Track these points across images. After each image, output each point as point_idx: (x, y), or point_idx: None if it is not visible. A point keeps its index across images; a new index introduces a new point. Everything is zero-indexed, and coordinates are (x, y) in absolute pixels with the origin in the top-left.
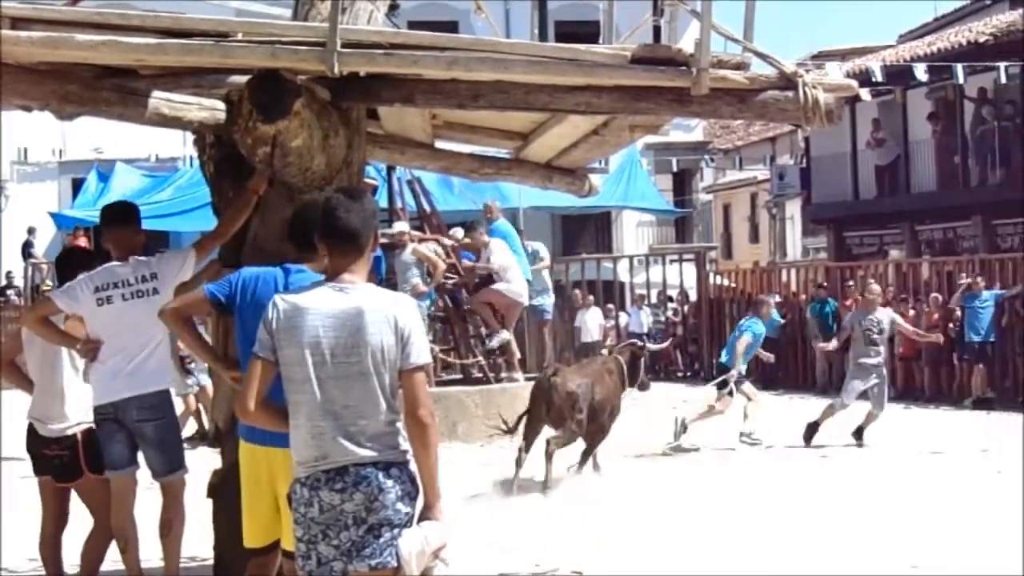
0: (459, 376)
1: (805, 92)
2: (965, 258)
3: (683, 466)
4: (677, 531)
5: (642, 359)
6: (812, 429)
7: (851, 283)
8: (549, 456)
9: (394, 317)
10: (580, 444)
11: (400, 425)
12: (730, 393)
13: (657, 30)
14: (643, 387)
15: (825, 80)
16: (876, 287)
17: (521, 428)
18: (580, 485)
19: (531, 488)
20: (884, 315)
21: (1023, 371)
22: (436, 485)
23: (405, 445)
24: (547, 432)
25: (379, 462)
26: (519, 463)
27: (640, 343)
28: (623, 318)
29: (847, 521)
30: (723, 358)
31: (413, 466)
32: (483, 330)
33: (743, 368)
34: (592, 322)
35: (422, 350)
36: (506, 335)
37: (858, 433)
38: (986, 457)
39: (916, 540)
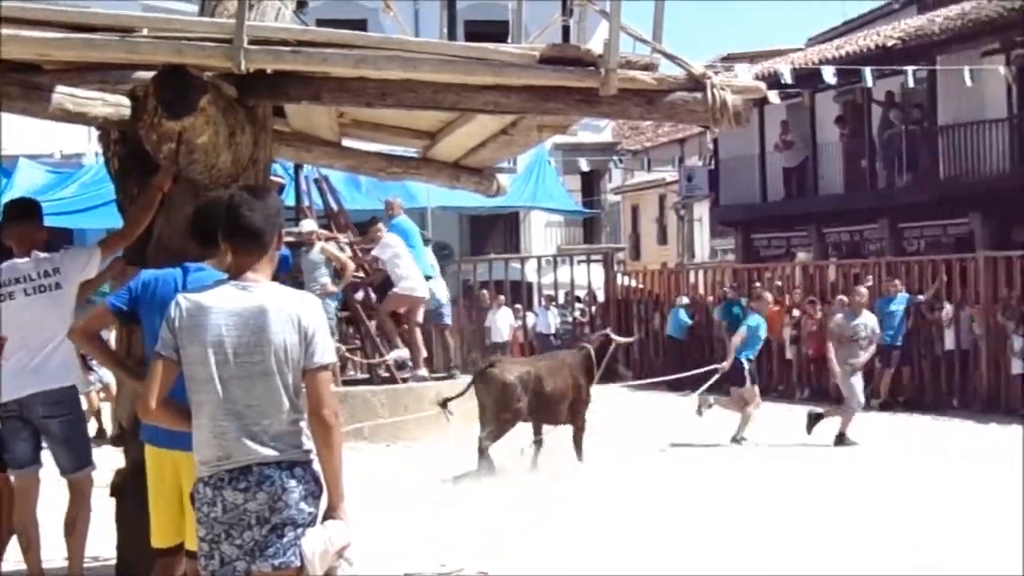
0: (366, 376)
1: (713, 94)
2: (872, 261)
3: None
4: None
5: (610, 350)
6: (815, 419)
7: (758, 284)
8: (482, 452)
9: (298, 316)
10: (563, 438)
11: (304, 424)
12: (753, 382)
13: (566, 30)
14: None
15: (733, 82)
16: (863, 290)
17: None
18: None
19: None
20: (869, 318)
21: (929, 374)
22: (340, 485)
23: (309, 444)
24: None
25: (282, 462)
26: (482, 452)
27: (607, 335)
28: (531, 318)
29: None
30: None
31: (317, 466)
32: (385, 342)
33: (752, 358)
34: (502, 322)
35: (326, 349)
36: (404, 353)
37: (840, 439)
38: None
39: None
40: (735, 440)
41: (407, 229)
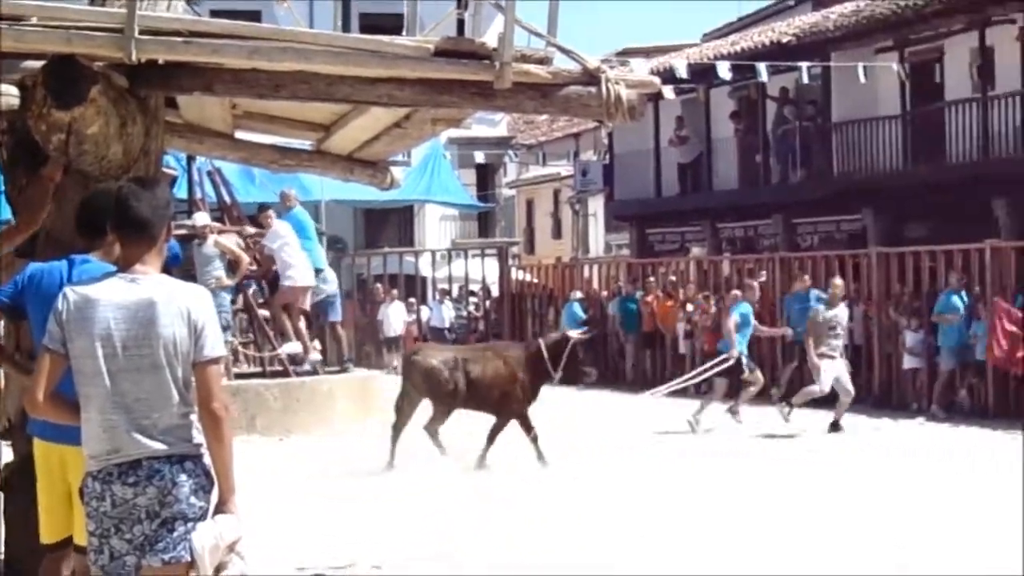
0: (258, 369)
1: (607, 88)
2: (765, 256)
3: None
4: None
5: (568, 349)
6: (786, 400)
7: (652, 279)
8: (432, 433)
9: (187, 309)
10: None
11: (194, 418)
12: (751, 369)
13: (461, 23)
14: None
15: (628, 76)
16: (839, 281)
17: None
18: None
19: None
20: (843, 311)
21: None
22: (230, 479)
23: (199, 438)
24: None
25: (172, 456)
26: (394, 440)
27: (560, 335)
28: (425, 312)
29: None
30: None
31: (208, 459)
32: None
33: (743, 349)
34: (395, 317)
35: (216, 342)
36: (297, 346)
37: (835, 426)
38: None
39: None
40: (731, 412)
41: (303, 221)
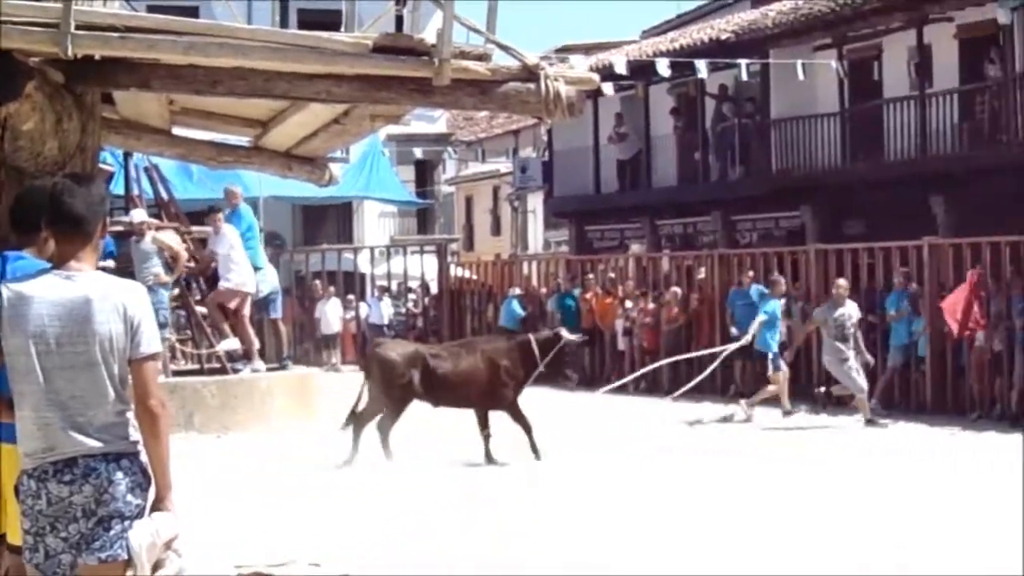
0: (196, 366)
1: (547, 84)
2: (704, 253)
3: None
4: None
5: (557, 348)
6: (829, 396)
7: (591, 276)
8: (381, 430)
9: (123, 305)
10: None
11: (131, 415)
12: (776, 368)
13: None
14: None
15: (567, 73)
16: (843, 281)
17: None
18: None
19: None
20: (852, 308)
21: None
22: (167, 476)
23: (136, 436)
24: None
25: (109, 453)
26: (383, 433)
27: (552, 332)
28: (363, 309)
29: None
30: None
31: (144, 457)
32: (216, 332)
33: (774, 348)
34: (332, 314)
35: (152, 339)
36: (234, 343)
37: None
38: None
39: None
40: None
41: (248, 219)
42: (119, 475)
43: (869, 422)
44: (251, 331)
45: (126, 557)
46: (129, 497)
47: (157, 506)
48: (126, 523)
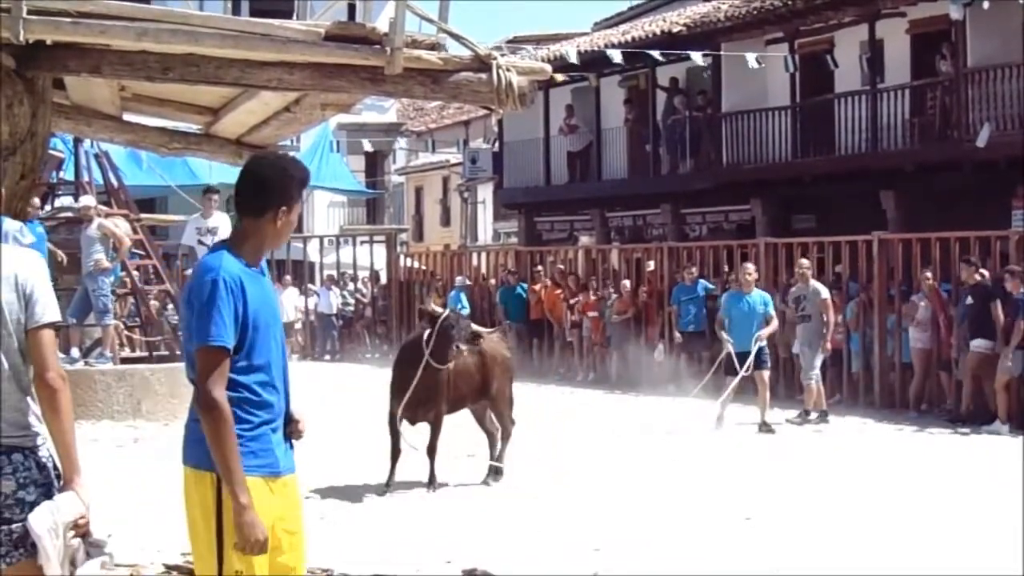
0: (145, 354)
1: (499, 74)
2: (654, 245)
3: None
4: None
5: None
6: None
7: (540, 268)
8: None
9: (13, 274)
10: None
11: (32, 403)
12: (760, 368)
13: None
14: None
15: (519, 63)
16: (805, 261)
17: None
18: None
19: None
20: (819, 286)
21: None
22: (73, 457)
23: (38, 427)
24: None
25: (1, 446)
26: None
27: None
28: (312, 299)
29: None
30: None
31: (44, 452)
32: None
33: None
34: (288, 303)
35: (48, 306)
36: None
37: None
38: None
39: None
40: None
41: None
42: (8, 470)
43: (803, 415)
44: None
45: (33, 556)
46: (21, 494)
47: (63, 488)
48: (14, 526)
